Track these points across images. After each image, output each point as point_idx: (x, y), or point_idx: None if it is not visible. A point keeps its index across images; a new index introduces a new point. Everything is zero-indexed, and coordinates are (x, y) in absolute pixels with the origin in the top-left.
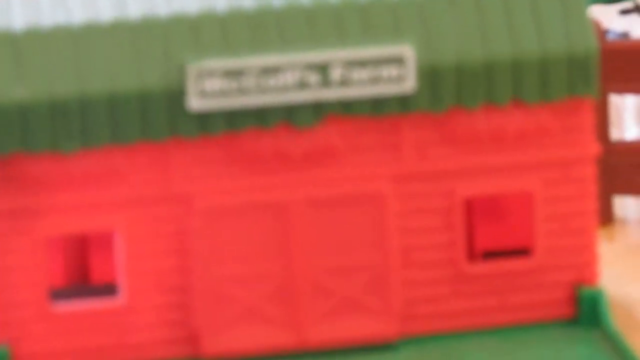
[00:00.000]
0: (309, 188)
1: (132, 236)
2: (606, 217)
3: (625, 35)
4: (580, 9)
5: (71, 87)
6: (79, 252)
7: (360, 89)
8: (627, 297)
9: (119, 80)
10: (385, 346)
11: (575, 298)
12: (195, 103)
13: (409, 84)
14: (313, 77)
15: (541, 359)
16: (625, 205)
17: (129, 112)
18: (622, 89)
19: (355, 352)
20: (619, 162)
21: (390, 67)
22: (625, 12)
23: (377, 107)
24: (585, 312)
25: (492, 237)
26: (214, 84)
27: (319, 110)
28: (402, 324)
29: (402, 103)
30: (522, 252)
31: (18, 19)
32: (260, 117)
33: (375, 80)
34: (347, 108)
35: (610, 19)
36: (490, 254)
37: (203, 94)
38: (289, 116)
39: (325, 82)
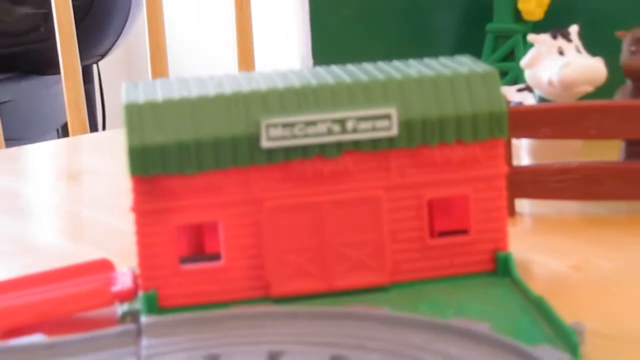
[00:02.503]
0: (334, 194)
1: (228, 224)
2: (511, 211)
3: (520, 103)
4: (497, 87)
5: (191, 135)
6: (198, 234)
7: (365, 134)
8: (524, 258)
9: (219, 130)
10: (380, 289)
11: (494, 259)
12: (265, 143)
13: (394, 130)
14: (336, 127)
15: (474, 296)
16: (522, 205)
17: (225, 149)
18: (520, 135)
19: (362, 292)
20: (518, 178)
21: (383, 121)
22: (520, 90)
23: (375, 144)
24: (501, 267)
25: (445, 222)
26: (276, 132)
27: (339, 147)
28: (391, 276)
29: (390, 142)
30: (462, 231)
31: (159, 94)
32: (304, 151)
33: (374, 129)
34: (357, 145)
35: (512, 93)
36: (444, 233)
37: (270, 138)
38: (322, 151)
39: (344, 130)
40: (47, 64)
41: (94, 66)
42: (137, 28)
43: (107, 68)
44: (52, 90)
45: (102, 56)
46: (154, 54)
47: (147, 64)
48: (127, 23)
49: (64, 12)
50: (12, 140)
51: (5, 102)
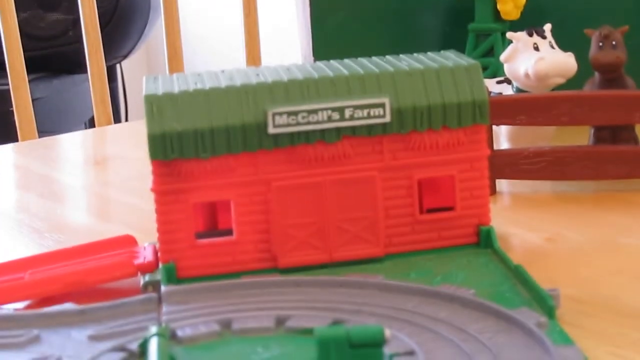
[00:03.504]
0: (334, 174)
1: (239, 203)
2: (492, 190)
3: (500, 94)
4: (479, 79)
5: (205, 123)
6: (212, 211)
7: (361, 121)
8: (504, 232)
9: (231, 118)
10: (376, 259)
11: (478, 232)
12: (271, 130)
13: (387, 117)
14: (335, 115)
15: (459, 265)
16: (502, 184)
17: (236, 135)
18: (499, 122)
19: (359, 263)
20: (498, 161)
21: (377, 109)
22: (499, 82)
23: (370, 130)
24: (483, 239)
25: (433, 200)
26: (281, 119)
27: (338, 133)
28: (385, 248)
29: (383, 128)
30: (449, 208)
31: (176, 86)
32: (307, 137)
33: (369, 116)
34: (354, 131)
35: (492, 85)
36: (432, 209)
37: (276, 125)
38: (322, 136)
39: (342, 118)
40: (75, 65)
41: (118, 66)
42: (156, 31)
43: (129, 67)
44: (80, 88)
45: (125, 57)
46: (171, 54)
47: (164, 63)
48: (147, 27)
49: (90, 18)
50: (45, 132)
51: (38, 98)
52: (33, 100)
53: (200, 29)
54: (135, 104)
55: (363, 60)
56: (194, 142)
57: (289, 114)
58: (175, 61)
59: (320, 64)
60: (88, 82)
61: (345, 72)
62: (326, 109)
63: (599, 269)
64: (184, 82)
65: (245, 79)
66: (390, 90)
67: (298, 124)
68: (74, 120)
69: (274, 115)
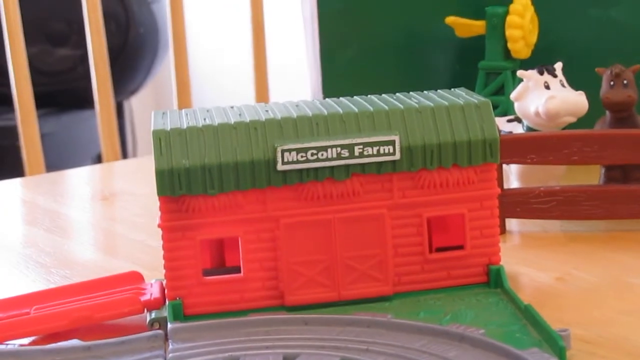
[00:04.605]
0: (342, 212)
1: (247, 240)
2: (502, 229)
3: (510, 133)
4: (490, 117)
5: (214, 159)
6: (220, 248)
7: (371, 159)
8: (514, 271)
9: (239, 155)
10: (384, 298)
11: (487, 272)
12: (280, 166)
13: (397, 155)
14: (345, 152)
15: (469, 305)
16: (512, 223)
17: (245, 172)
18: (509, 161)
19: (368, 301)
20: (508, 200)
21: (387, 146)
22: (510, 120)
23: (380, 168)
24: (493, 279)
25: (442, 238)
26: (291, 156)
27: (347, 170)
28: (393, 286)
29: (393, 166)
30: (458, 247)
31: (184, 121)
32: (316, 174)
33: (379, 154)
34: (363, 169)
35: (502, 123)
36: (441, 248)
37: (285, 162)
38: (332, 173)
39: (352, 155)
40: (84, 100)
41: (126, 101)
42: (164, 67)
43: (137, 103)
44: (88, 123)
45: (133, 92)
46: (180, 90)
47: (173, 98)
48: (155, 62)
49: (99, 53)
50: (52, 167)
51: (46, 133)
52: (41, 136)
53: (209, 65)
54: (143, 140)
55: (373, 98)
56: (202, 178)
57: (298, 150)
58: (184, 97)
59: (329, 100)
60: (96, 117)
61: (355, 109)
62: (335, 146)
63: (609, 309)
64: (193, 118)
65: (254, 115)
66: (400, 128)
67: (307, 160)
68: (81, 155)
69: (283, 151)
